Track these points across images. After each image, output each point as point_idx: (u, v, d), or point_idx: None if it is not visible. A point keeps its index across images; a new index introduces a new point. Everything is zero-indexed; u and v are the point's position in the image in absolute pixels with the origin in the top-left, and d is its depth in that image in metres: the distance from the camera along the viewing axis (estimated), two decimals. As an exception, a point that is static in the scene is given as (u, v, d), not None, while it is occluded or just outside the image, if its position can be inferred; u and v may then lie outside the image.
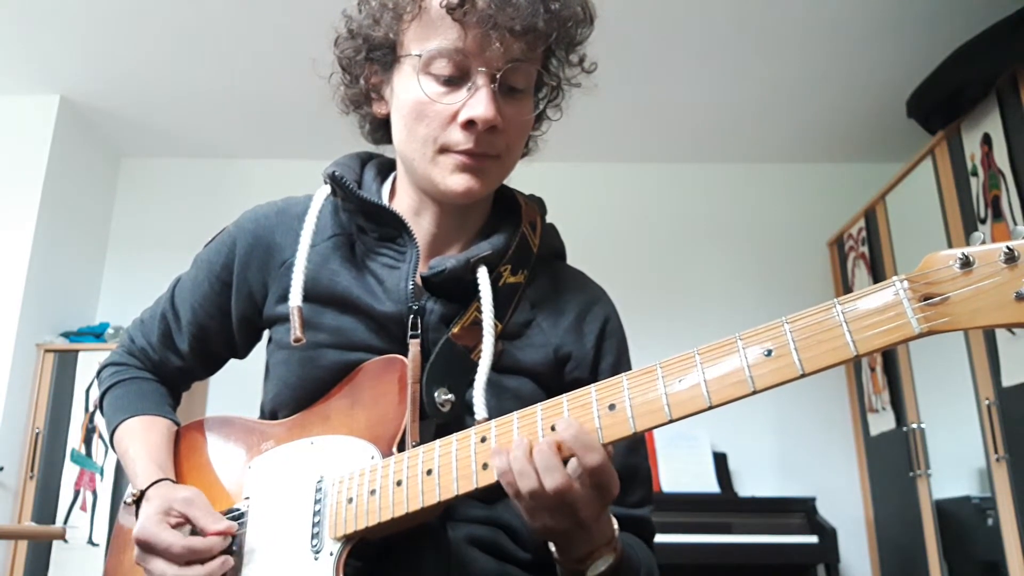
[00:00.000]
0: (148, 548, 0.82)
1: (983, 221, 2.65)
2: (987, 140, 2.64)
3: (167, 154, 4.08)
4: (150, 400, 1.04)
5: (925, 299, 0.60)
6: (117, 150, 4.05)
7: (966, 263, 0.59)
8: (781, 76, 3.38)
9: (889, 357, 3.29)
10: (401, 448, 0.81)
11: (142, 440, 0.98)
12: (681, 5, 2.96)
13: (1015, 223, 2.50)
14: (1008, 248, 0.57)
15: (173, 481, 0.93)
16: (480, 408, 0.84)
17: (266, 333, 1.02)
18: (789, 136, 3.87)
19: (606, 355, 0.96)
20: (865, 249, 3.52)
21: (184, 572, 0.80)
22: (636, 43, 3.14)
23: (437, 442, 0.77)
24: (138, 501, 0.90)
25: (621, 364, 0.97)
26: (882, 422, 3.37)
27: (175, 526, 0.83)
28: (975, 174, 2.71)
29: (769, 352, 0.64)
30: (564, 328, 0.95)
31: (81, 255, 3.81)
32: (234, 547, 0.86)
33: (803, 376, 0.63)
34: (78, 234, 3.77)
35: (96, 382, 1.10)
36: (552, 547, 0.78)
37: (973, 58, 2.64)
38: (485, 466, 0.73)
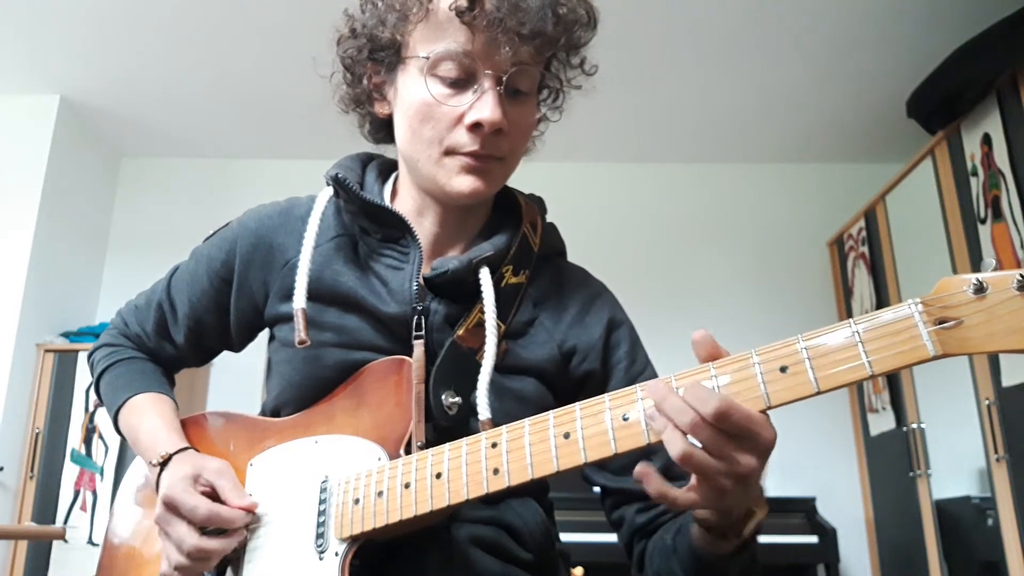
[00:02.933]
0: (173, 509, 0.83)
1: (983, 221, 2.65)
2: (987, 140, 2.64)
3: (167, 154, 4.08)
4: (152, 379, 1.04)
5: (939, 322, 0.61)
6: (117, 150, 4.05)
7: (980, 288, 0.60)
8: (781, 76, 3.38)
9: (889, 357, 3.28)
10: (408, 450, 0.81)
11: (158, 412, 0.98)
12: (681, 6, 2.96)
13: (1015, 223, 2.50)
14: (1021, 276, 0.59)
15: (197, 451, 0.93)
16: (483, 409, 0.84)
17: (265, 330, 1.02)
18: (789, 136, 3.87)
19: (620, 343, 0.96)
20: (865, 249, 3.52)
21: (202, 542, 0.81)
22: (637, 44, 3.14)
23: (446, 446, 0.77)
24: (163, 464, 0.90)
25: (637, 350, 0.97)
26: (882, 422, 3.37)
27: (202, 494, 0.84)
28: (975, 174, 2.71)
29: (784, 368, 0.65)
30: (567, 323, 0.95)
31: (81, 255, 3.80)
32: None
33: (818, 393, 0.64)
34: (78, 234, 3.77)
35: (89, 364, 1.10)
36: (707, 514, 0.74)
37: (973, 58, 2.64)
38: (496, 471, 0.73)
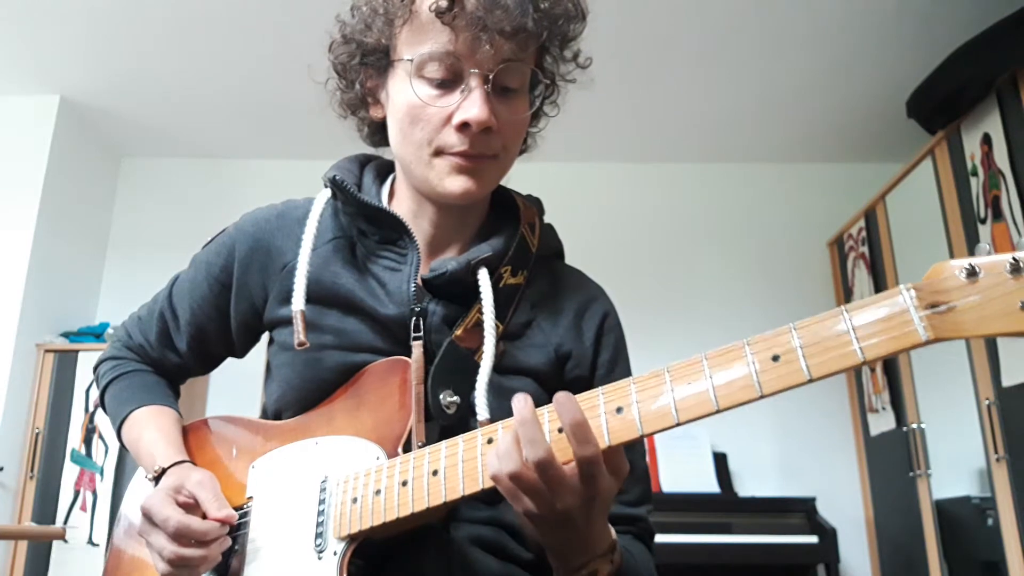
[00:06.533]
0: (149, 519, 0.83)
1: (983, 221, 2.65)
2: (987, 140, 2.64)
3: (167, 154, 4.08)
4: (156, 392, 1.05)
5: (931, 307, 0.61)
6: (117, 150, 4.05)
7: (972, 272, 0.59)
8: (781, 76, 3.38)
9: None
10: (407, 449, 0.82)
11: (157, 426, 0.99)
12: (681, 6, 2.96)
13: (1015, 223, 2.50)
14: (1014, 259, 0.58)
15: (192, 464, 0.94)
16: (482, 409, 0.84)
17: (266, 334, 1.02)
18: (789, 136, 3.87)
19: (603, 351, 0.96)
20: (865, 249, 3.52)
21: (181, 551, 0.81)
22: (636, 43, 3.14)
23: (443, 443, 0.77)
24: (158, 478, 0.91)
25: (618, 360, 0.97)
26: (882, 422, 3.37)
27: (182, 505, 0.84)
28: (975, 174, 2.71)
29: (776, 357, 0.64)
30: (563, 327, 0.95)
31: (81, 255, 3.81)
32: (236, 546, 0.86)
33: (810, 381, 0.63)
34: (78, 234, 3.77)
35: (94, 377, 1.11)
36: (551, 559, 0.78)
37: (973, 58, 2.64)
38: None
